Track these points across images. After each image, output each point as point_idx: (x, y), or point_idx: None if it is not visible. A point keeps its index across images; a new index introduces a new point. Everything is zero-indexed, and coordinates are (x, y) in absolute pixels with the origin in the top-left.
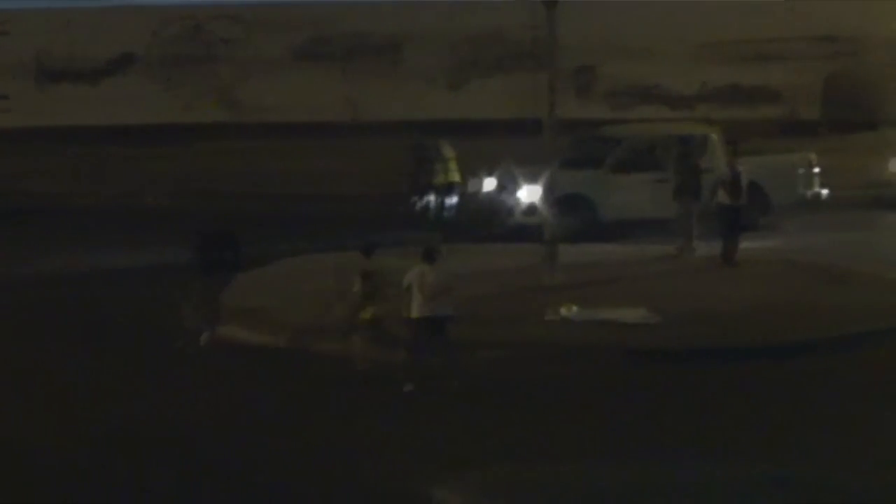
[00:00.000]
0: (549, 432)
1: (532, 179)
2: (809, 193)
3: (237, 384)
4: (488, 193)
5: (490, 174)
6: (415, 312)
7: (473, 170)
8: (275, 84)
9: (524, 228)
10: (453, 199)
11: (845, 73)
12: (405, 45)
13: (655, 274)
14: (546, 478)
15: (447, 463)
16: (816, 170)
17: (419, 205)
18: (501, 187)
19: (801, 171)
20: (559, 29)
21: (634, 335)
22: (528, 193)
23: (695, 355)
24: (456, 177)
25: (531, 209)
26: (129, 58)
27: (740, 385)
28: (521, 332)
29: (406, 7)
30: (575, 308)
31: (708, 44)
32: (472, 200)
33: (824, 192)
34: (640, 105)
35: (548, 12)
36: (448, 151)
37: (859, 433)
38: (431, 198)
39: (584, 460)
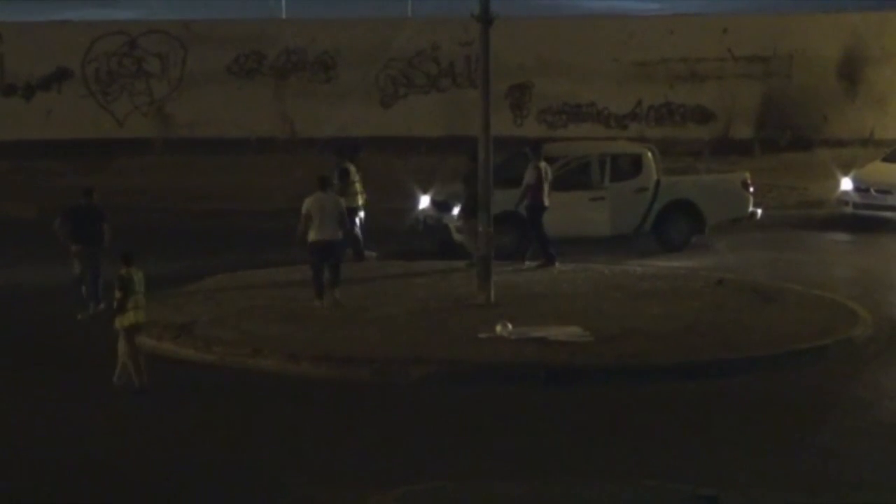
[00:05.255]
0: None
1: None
2: (744, 212)
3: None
4: (423, 211)
5: (425, 192)
6: (312, 236)
7: (409, 188)
8: (208, 100)
9: (459, 246)
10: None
11: (779, 92)
12: (339, 62)
13: (590, 292)
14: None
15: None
16: (751, 189)
17: None
18: (436, 205)
19: (736, 190)
20: (494, 46)
21: (566, 353)
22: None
23: (619, 373)
24: (356, 200)
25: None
26: (64, 73)
27: (663, 404)
28: (452, 350)
29: (339, 24)
30: (509, 326)
31: (642, 63)
32: (407, 217)
33: (758, 211)
34: (575, 123)
35: (482, 30)
36: (352, 174)
37: (781, 453)
38: None
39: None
